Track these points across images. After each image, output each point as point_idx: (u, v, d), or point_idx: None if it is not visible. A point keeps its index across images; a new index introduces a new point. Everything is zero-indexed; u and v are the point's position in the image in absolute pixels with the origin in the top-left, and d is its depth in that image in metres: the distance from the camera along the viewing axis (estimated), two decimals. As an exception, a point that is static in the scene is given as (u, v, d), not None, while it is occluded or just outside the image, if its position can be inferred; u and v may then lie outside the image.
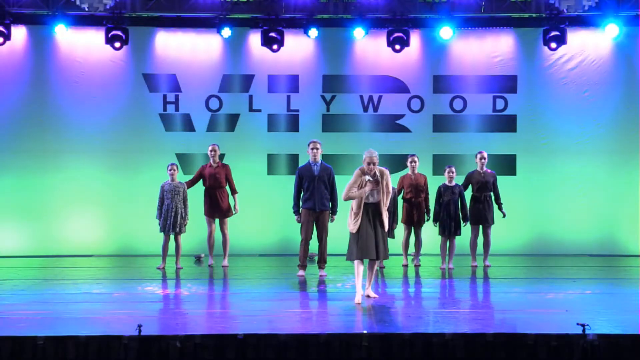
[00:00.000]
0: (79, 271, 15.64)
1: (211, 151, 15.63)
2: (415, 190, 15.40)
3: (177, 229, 15.10)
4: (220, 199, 15.57)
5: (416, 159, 15.54)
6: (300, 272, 14.34)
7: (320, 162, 14.30)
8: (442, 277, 14.55)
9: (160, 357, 9.44)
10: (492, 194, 15.40)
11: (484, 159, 15.46)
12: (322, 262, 14.37)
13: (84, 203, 17.49)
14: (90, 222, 17.52)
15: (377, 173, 11.83)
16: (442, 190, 15.18)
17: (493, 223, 15.42)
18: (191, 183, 15.63)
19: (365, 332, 9.70)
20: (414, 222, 15.48)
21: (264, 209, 17.56)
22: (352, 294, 12.30)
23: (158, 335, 9.58)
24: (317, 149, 14.23)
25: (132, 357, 9.41)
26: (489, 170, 15.52)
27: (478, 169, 15.48)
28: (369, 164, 11.79)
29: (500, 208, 15.43)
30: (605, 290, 13.60)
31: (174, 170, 15.27)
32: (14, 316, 11.02)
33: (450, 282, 13.93)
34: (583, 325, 9.62)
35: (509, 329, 10.22)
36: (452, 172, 15.22)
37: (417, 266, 15.48)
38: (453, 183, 15.19)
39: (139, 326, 9.50)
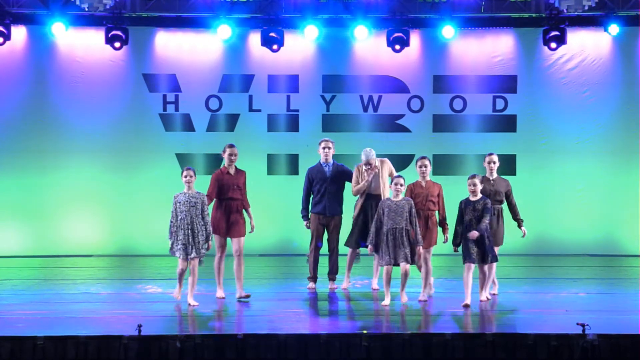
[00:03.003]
0: (79, 271, 15.64)
1: (230, 155, 12.52)
2: (425, 202, 12.35)
3: (194, 253, 11.80)
4: (239, 214, 12.43)
5: (427, 162, 12.47)
6: (311, 285, 13.10)
7: (332, 162, 13.17)
8: (445, 278, 14.50)
9: (160, 357, 9.45)
10: (503, 207, 12.61)
11: (494, 162, 12.56)
12: (332, 274, 13.17)
13: (83, 203, 17.47)
14: (90, 222, 17.50)
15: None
16: (463, 207, 12.06)
17: (502, 244, 12.64)
18: (210, 198, 12.31)
19: (365, 332, 9.70)
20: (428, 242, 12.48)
21: (263, 209, 17.41)
22: (351, 294, 12.34)
23: (158, 335, 9.59)
24: (329, 148, 13.13)
25: (132, 357, 9.42)
26: (500, 177, 12.74)
27: (487, 174, 12.59)
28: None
29: (519, 225, 12.74)
30: (605, 290, 13.61)
31: (191, 177, 11.83)
32: (14, 316, 11.02)
33: (450, 282, 13.90)
34: (583, 325, 9.63)
35: (509, 329, 10.23)
36: (475, 185, 12.01)
37: (421, 301, 12.21)
38: (477, 197, 12.03)
39: (139, 326, 9.50)
